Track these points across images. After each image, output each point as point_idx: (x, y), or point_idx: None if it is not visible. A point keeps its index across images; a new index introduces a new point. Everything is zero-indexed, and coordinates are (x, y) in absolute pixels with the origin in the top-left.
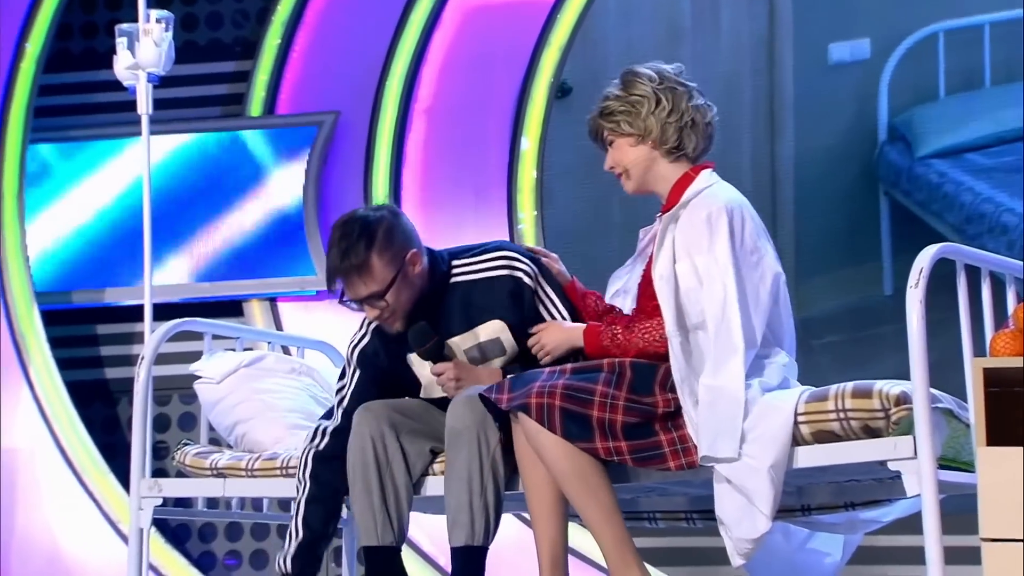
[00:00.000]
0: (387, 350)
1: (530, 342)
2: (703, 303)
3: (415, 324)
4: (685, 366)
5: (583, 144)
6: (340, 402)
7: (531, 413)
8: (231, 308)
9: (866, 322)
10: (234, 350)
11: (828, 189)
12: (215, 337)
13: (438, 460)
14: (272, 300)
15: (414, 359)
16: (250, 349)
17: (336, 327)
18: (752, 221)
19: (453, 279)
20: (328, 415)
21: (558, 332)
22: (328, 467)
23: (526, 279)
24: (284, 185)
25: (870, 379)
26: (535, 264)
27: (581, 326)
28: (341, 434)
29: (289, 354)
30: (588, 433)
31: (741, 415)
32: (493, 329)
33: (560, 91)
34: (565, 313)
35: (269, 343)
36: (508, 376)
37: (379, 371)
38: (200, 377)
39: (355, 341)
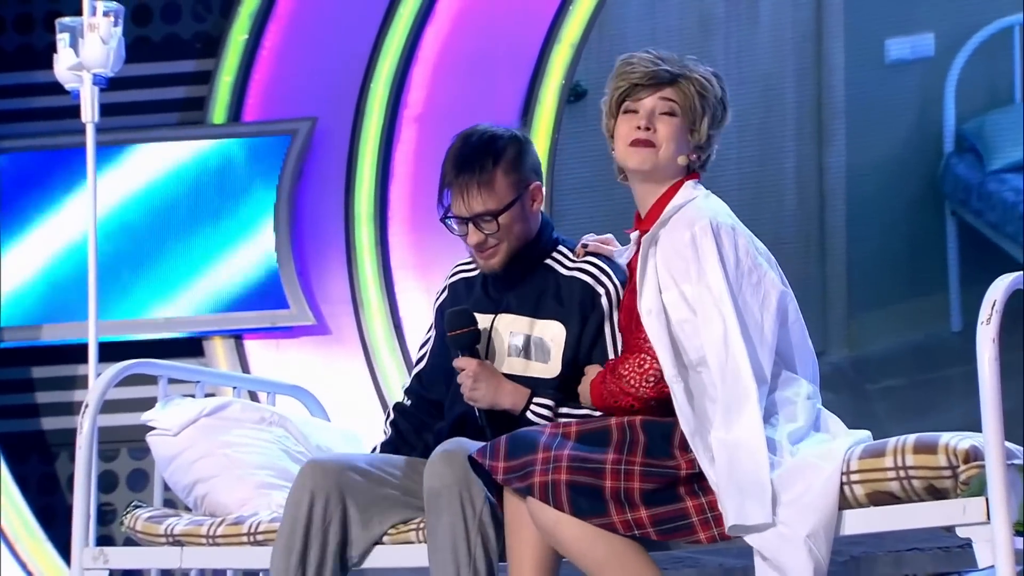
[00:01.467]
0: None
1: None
2: (702, 339)
3: (457, 306)
4: (693, 417)
5: (600, 155)
6: (418, 361)
7: (535, 493)
8: (190, 347)
9: (930, 363)
10: (193, 396)
11: (885, 208)
12: (171, 381)
13: (415, 525)
14: (238, 337)
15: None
16: (212, 395)
17: (313, 369)
18: (745, 234)
19: (547, 259)
20: None
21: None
22: (407, 420)
23: (603, 300)
24: (252, 204)
25: (934, 431)
26: (619, 289)
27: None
28: (411, 394)
29: (258, 401)
30: (601, 506)
31: (767, 471)
32: (551, 331)
33: (573, 94)
34: (619, 348)
35: (234, 388)
36: (504, 436)
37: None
38: (154, 428)
39: (437, 298)
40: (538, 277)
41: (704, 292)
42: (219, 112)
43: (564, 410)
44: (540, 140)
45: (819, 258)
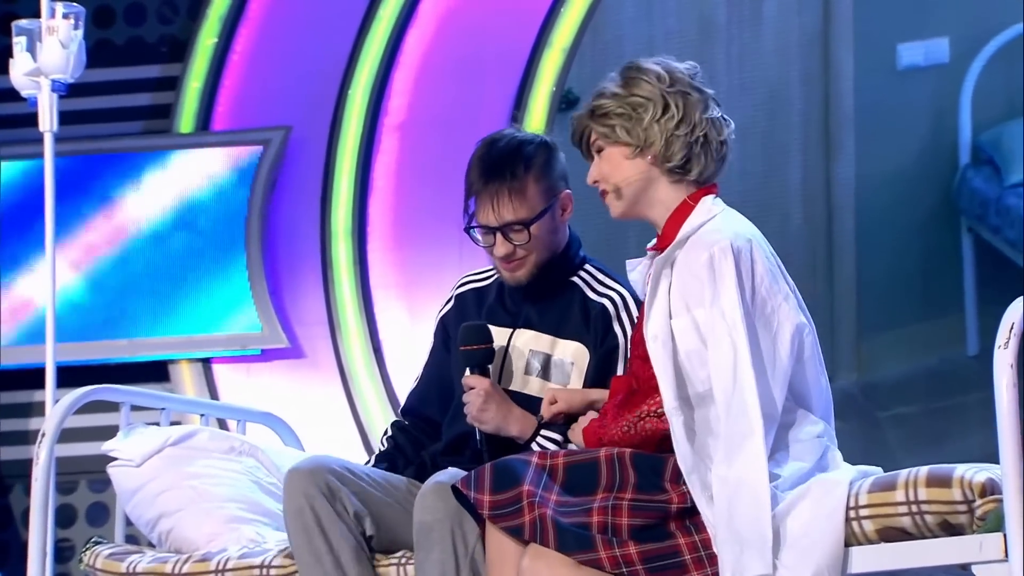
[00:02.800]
0: (457, 321)
1: (548, 398)
2: (709, 368)
3: (473, 321)
4: (691, 453)
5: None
6: (417, 379)
7: (524, 533)
8: (154, 371)
9: (944, 390)
10: (158, 424)
11: (897, 223)
12: (134, 408)
13: (397, 559)
14: (205, 362)
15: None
16: (178, 423)
17: (286, 395)
18: (765, 261)
19: (574, 277)
20: None
21: (578, 398)
22: (405, 436)
23: (620, 339)
24: (222, 218)
25: (949, 462)
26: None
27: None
28: (408, 414)
29: (227, 429)
30: (587, 542)
31: (768, 516)
32: (573, 352)
33: (564, 102)
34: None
35: (202, 415)
36: (488, 466)
37: (449, 349)
38: (115, 459)
39: (441, 309)
40: (564, 294)
41: (717, 317)
42: (186, 121)
43: (573, 445)
44: None
45: (827, 277)
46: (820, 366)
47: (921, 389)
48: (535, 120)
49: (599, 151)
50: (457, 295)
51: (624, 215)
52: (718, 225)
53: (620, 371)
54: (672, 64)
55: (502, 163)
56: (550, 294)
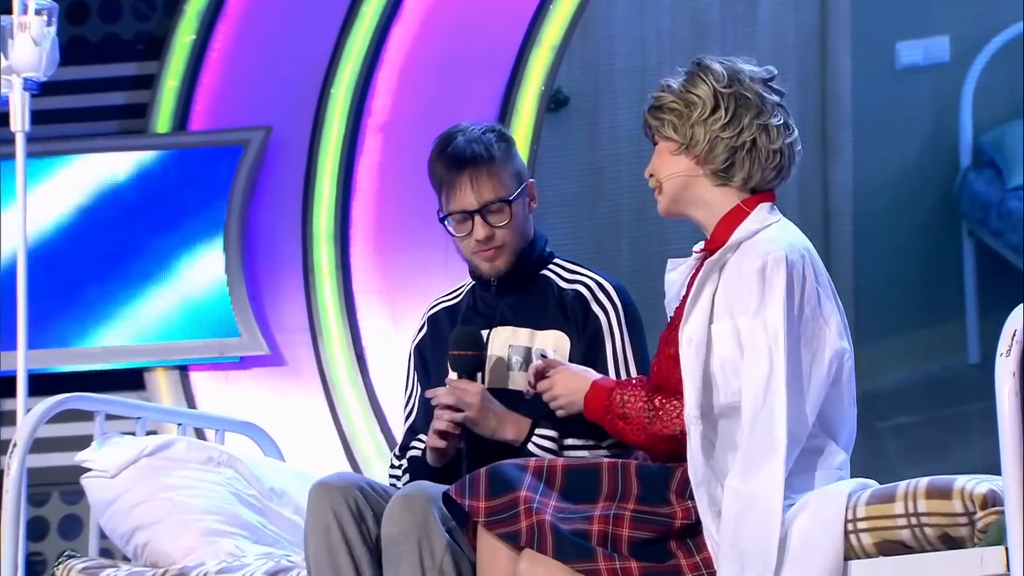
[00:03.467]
0: (434, 345)
1: (541, 386)
2: (742, 379)
3: (467, 326)
4: (705, 466)
5: (584, 168)
6: (407, 418)
7: (522, 539)
8: (130, 379)
9: (945, 399)
10: (133, 434)
11: (896, 227)
12: (109, 417)
13: None
14: (183, 369)
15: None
16: (154, 433)
17: (266, 403)
18: (816, 277)
19: (544, 271)
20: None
21: (575, 382)
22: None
23: (602, 322)
24: (199, 221)
25: (950, 473)
26: (626, 310)
27: (590, 381)
28: (406, 452)
29: (205, 439)
30: (587, 552)
31: (776, 536)
32: (554, 342)
33: (554, 102)
34: (632, 371)
35: (179, 425)
36: (484, 471)
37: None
38: (89, 469)
39: (414, 337)
40: (536, 287)
41: (759, 328)
42: (163, 120)
43: (569, 442)
44: (518, 151)
45: None
46: (852, 394)
47: (921, 398)
48: (523, 120)
49: (655, 144)
50: (429, 318)
51: (667, 212)
52: (774, 234)
53: (608, 352)
54: (741, 65)
55: (472, 147)
56: (522, 289)
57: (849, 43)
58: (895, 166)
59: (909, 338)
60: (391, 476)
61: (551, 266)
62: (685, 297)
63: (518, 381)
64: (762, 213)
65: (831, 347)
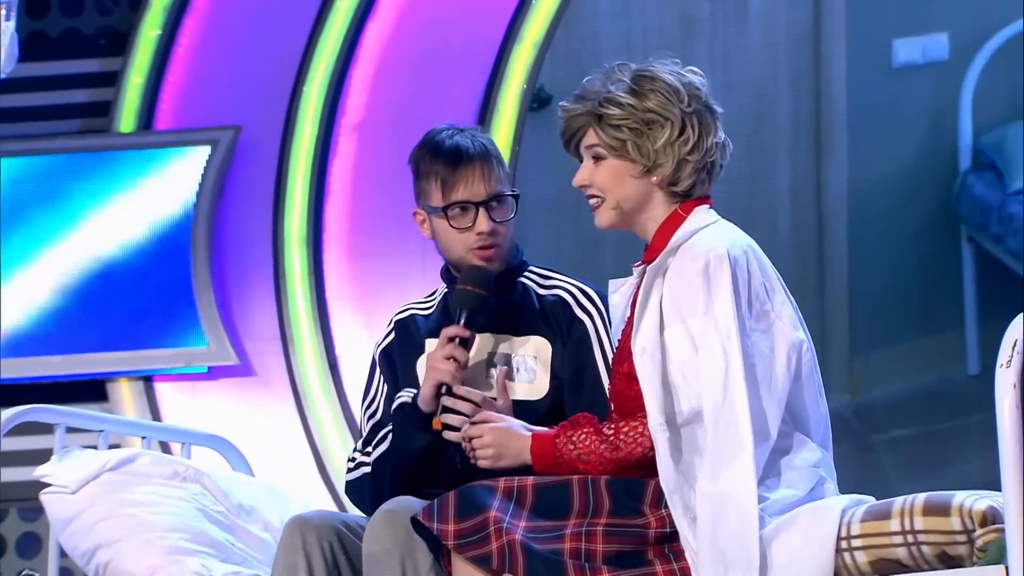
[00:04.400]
0: (403, 350)
1: (472, 432)
2: (701, 381)
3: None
4: (675, 472)
5: (568, 170)
6: (371, 416)
7: (492, 562)
8: (92, 390)
9: (943, 411)
10: (95, 448)
11: (893, 232)
12: (70, 430)
13: None
14: (147, 379)
15: (422, 363)
16: (117, 447)
17: (235, 416)
18: (762, 272)
19: (521, 278)
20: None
21: (512, 439)
22: (360, 498)
23: (588, 326)
24: (165, 225)
25: (948, 488)
26: (604, 315)
27: (528, 434)
28: (369, 457)
29: (170, 453)
30: (559, 569)
31: (755, 534)
32: (535, 347)
33: (536, 101)
34: (604, 385)
35: (143, 438)
36: (452, 493)
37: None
38: (49, 485)
39: (379, 342)
40: (514, 294)
41: (710, 326)
42: (127, 119)
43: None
44: None
45: (817, 290)
46: (819, 388)
47: (918, 411)
48: (504, 120)
49: (597, 157)
50: (397, 321)
51: (612, 227)
52: (712, 232)
53: (598, 357)
54: (686, 76)
55: (477, 141)
56: (502, 296)
57: (844, 40)
58: (892, 168)
59: (906, 348)
60: (350, 467)
61: (527, 274)
62: (631, 316)
63: (496, 387)
64: (699, 215)
65: (787, 339)
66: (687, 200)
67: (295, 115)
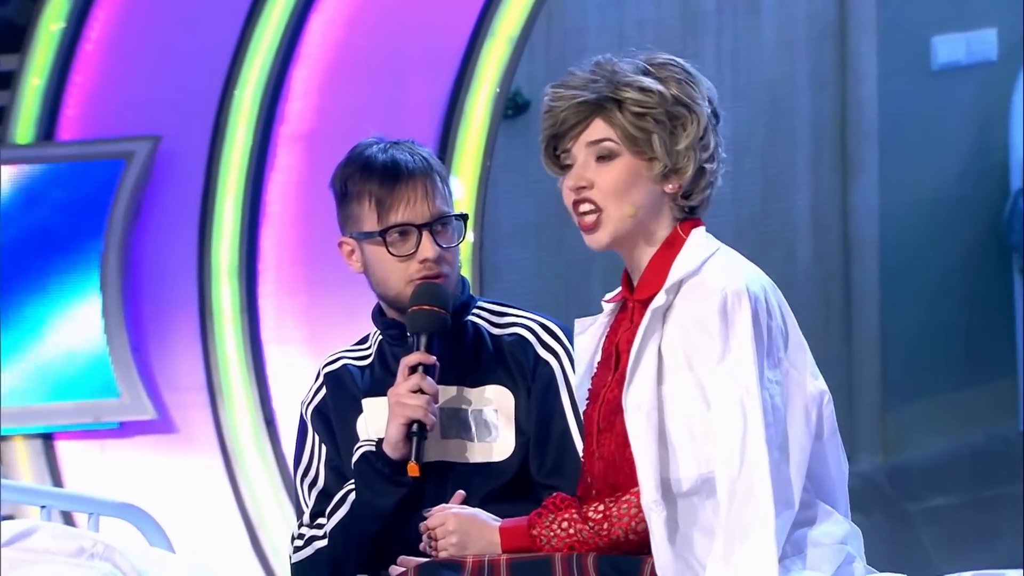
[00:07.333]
0: (338, 407)
1: (432, 522)
2: (713, 443)
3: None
4: (675, 559)
5: (547, 187)
6: (311, 485)
7: None
8: None
9: (991, 475)
10: None
11: (933, 262)
12: None
13: None
14: (47, 437)
15: (362, 423)
16: (11, 518)
17: (151, 480)
18: (781, 313)
19: (470, 317)
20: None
21: (479, 529)
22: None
23: (555, 368)
24: (70, 252)
25: (997, 567)
26: (571, 354)
27: (496, 525)
28: (322, 529)
29: (75, 525)
30: None
31: None
32: (494, 399)
33: (512, 107)
34: (575, 438)
35: (43, 507)
36: (412, 568)
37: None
38: None
39: (308, 399)
40: (463, 337)
41: (725, 377)
42: (24, 128)
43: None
44: (467, 166)
45: (843, 331)
46: (840, 448)
47: (962, 475)
48: (474, 128)
49: (604, 156)
50: (328, 374)
51: (610, 247)
52: (723, 264)
53: (565, 402)
54: (679, 64)
55: (418, 154)
56: (447, 340)
57: (875, 37)
58: (931, 188)
59: (947, 400)
60: (298, 545)
61: (476, 311)
62: (606, 361)
63: (454, 451)
64: (699, 239)
65: (804, 392)
66: (687, 220)
67: (225, 123)
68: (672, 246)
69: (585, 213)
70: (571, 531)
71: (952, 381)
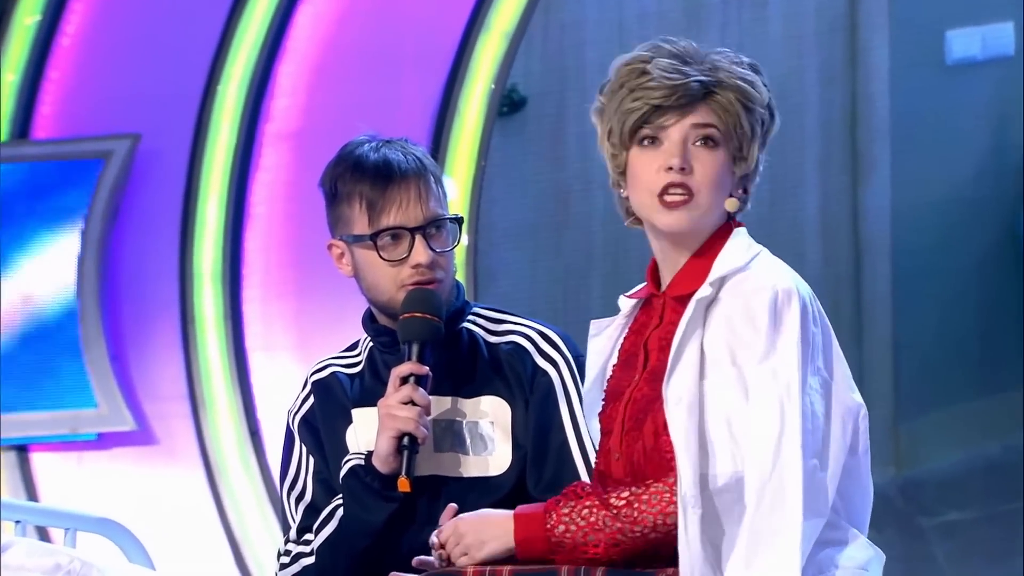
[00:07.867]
0: (327, 416)
1: (441, 537)
2: (748, 442)
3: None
4: (704, 561)
5: (544, 188)
6: (298, 499)
7: None
8: None
9: (1007, 489)
10: None
11: (947, 265)
12: None
13: None
14: (21, 449)
15: (352, 433)
16: None
17: (130, 494)
18: (822, 322)
19: (465, 324)
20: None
21: (491, 524)
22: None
23: (554, 378)
24: (45, 257)
25: None
26: (577, 361)
27: (510, 514)
28: (309, 546)
29: (51, 541)
30: None
31: None
32: (490, 410)
33: (507, 103)
34: (588, 446)
35: (17, 522)
36: None
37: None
38: None
39: (294, 408)
40: (458, 346)
41: (767, 375)
42: None
43: None
44: (460, 166)
45: (854, 338)
46: (868, 467)
47: (978, 488)
48: (467, 127)
49: (710, 141)
50: (316, 382)
51: (681, 233)
52: (768, 264)
53: (564, 413)
54: (759, 68)
55: (402, 156)
56: (443, 348)
57: (886, 31)
58: (944, 189)
59: (962, 411)
60: (285, 562)
61: (471, 318)
62: (629, 360)
63: (444, 464)
64: (742, 239)
65: (842, 403)
66: (729, 221)
67: (207, 121)
68: (714, 245)
69: (676, 192)
70: (592, 519)
71: (968, 390)
